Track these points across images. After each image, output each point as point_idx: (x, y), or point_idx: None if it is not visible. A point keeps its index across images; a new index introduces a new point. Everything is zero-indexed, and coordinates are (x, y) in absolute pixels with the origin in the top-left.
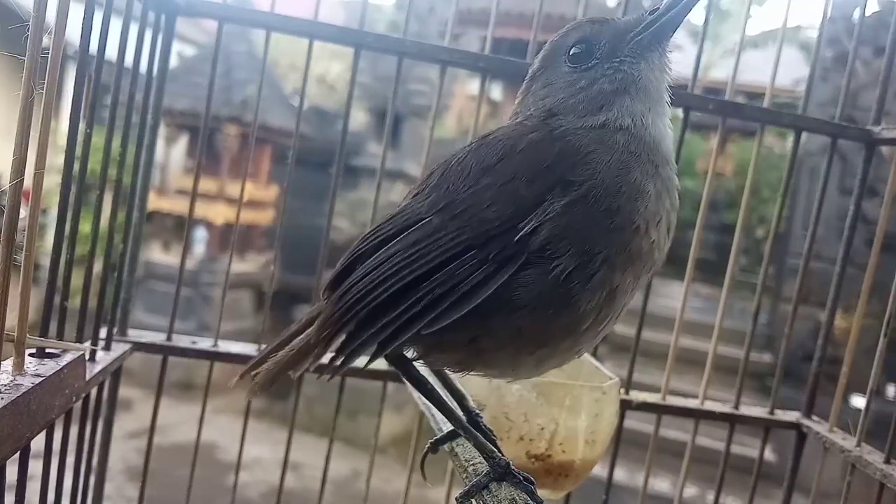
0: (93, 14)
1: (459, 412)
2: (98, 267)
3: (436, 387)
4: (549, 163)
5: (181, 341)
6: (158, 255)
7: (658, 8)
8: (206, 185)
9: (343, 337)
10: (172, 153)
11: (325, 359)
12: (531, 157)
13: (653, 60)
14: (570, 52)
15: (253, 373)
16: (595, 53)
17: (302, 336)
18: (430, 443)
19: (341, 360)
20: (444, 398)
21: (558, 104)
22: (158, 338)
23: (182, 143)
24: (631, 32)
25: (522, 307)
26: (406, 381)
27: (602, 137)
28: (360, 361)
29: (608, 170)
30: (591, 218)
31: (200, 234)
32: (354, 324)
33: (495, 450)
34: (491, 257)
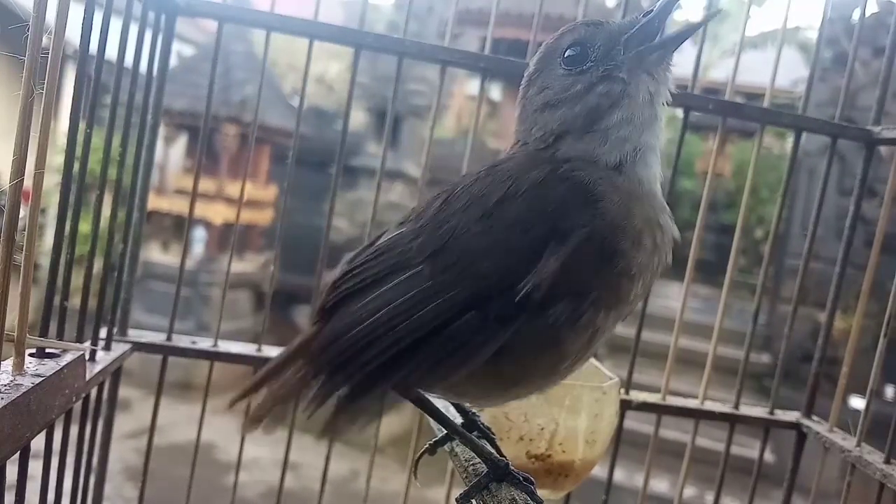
0: (93, 14)
1: (453, 417)
2: (98, 267)
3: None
4: (551, 208)
5: (181, 341)
6: (157, 254)
7: (651, 9)
8: (205, 184)
9: (337, 400)
10: (171, 153)
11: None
12: (532, 203)
13: (653, 72)
14: (565, 55)
15: (246, 401)
16: (590, 56)
17: (293, 370)
18: (430, 444)
19: (338, 421)
20: (435, 406)
21: (558, 119)
22: (158, 338)
23: (181, 142)
24: (625, 34)
25: (509, 352)
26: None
27: (609, 176)
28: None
29: (617, 210)
30: (591, 261)
31: (199, 234)
32: (348, 388)
33: (493, 451)
34: (492, 317)
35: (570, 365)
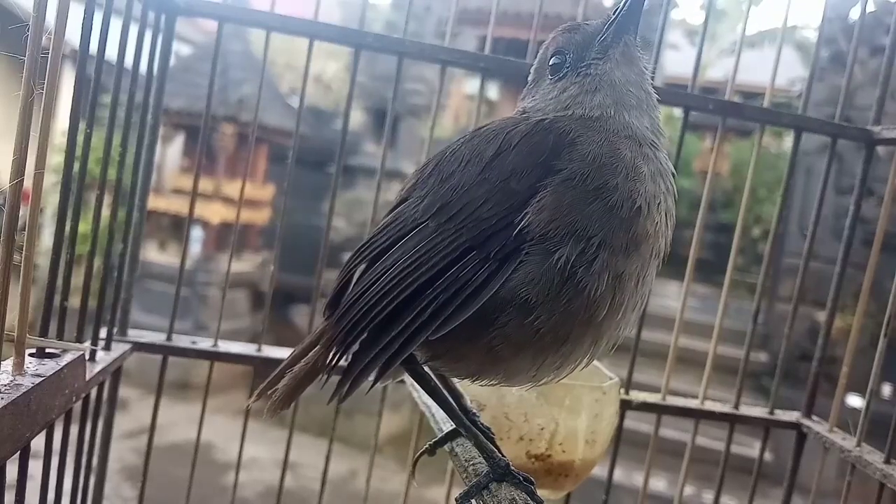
0: (93, 14)
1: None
2: (98, 267)
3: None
4: (541, 155)
5: (181, 341)
6: (154, 254)
7: (618, 6)
8: (203, 184)
9: (349, 358)
10: (168, 152)
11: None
12: (525, 151)
13: (614, 58)
14: (550, 64)
15: (269, 391)
16: (566, 62)
17: (311, 354)
18: (430, 445)
19: (349, 382)
20: (447, 396)
21: (542, 112)
22: (158, 338)
23: (178, 142)
24: (597, 36)
25: (534, 305)
26: (408, 378)
27: (586, 123)
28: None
29: (599, 149)
30: (583, 198)
31: (197, 234)
32: (359, 344)
33: (495, 450)
34: (492, 255)
35: (611, 314)
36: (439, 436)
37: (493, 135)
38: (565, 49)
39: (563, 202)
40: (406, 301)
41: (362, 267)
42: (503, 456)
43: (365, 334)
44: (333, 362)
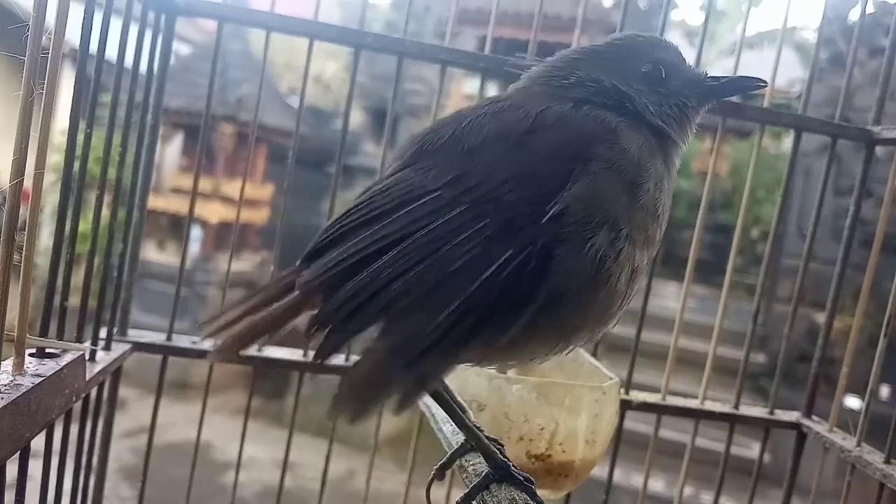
0: (93, 14)
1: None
2: (98, 266)
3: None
4: (578, 140)
5: (181, 341)
6: (152, 253)
7: (722, 78)
8: (201, 183)
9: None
10: (167, 152)
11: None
12: (560, 133)
13: (698, 112)
14: (651, 67)
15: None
16: (668, 84)
17: (277, 308)
18: (437, 469)
19: (373, 394)
20: (448, 398)
21: (614, 92)
22: (159, 338)
23: (176, 141)
24: (697, 83)
25: (566, 296)
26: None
27: (633, 125)
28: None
29: (638, 150)
30: (618, 188)
31: (195, 233)
32: (379, 342)
33: (497, 451)
34: (534, 251)
35: (619, 307)
36: (444, 459)
37: (523, 111)
38: (672, 71)
39: (601, 189)
40: (434, 291)
41: (355, 225)
42: (505, 458)
43: (378, 326)
44: (324, 349)
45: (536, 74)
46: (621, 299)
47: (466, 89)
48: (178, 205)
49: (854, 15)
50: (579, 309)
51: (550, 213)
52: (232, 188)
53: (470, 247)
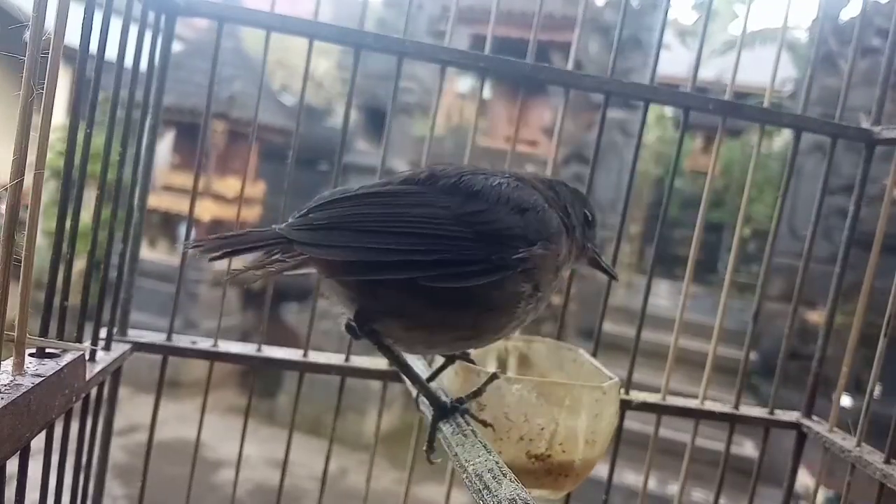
0: (93, 14)
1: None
2: (98, 266)
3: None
4: (551, 228)
5: (181, 341)
6: (145, 251)
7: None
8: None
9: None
10: (158, 149)
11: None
12: (544, 219)
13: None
14: (589, 219)
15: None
16: (594, 227)
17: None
18: (425, 449)
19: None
20: (406, 360)
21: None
22: (158, 338)
23: (168, 138)
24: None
25: (495, 308)
26: (378, 349)
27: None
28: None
29: (567, 249)
30: (551, 264)
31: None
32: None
33: (441, 396)
34: (493, 258)
35: (514, 328)
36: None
37: (527, 193)
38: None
39: (545, 259)
40: (406, 237)
41: (356, 199)
42: (452, 401)
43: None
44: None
45: (540, 178)
46: (519, 324)
47: (459, 88)
48: (170, 202)
49: (845, 15)
50: (494, 317)
51: (521, 253)
52: (223, 186)
53: (452, 234)
